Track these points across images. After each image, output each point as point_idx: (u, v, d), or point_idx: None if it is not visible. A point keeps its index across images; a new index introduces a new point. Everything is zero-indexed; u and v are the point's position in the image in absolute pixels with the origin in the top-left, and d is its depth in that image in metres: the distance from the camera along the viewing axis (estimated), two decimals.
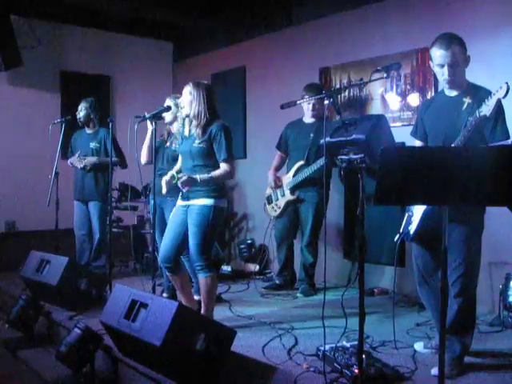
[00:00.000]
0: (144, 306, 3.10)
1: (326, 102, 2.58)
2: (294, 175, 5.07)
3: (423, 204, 2.94)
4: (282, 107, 3.05)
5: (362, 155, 2.50)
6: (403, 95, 5.01)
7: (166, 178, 3.89)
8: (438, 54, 2.99)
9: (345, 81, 5.38)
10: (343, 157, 2.58)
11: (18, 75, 6.49)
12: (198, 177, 3.68)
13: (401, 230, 3.25)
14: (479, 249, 3.12)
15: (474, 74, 3.42)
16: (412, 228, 3.17)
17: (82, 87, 6.75)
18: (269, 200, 5.30)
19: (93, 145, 5.61)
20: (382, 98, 5.17)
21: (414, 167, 2.22)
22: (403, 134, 4.49)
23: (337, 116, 2.72)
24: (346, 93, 5.43)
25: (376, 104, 5.23)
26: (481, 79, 3.26)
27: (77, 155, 5.54)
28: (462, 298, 3.10)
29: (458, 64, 2.98)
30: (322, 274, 5.43)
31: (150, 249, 5.26)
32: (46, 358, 3.98)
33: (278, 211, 5.20)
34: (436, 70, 3.06)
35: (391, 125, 4.95)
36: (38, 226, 6.32)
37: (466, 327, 3.16)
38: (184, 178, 3.64)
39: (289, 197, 5.11)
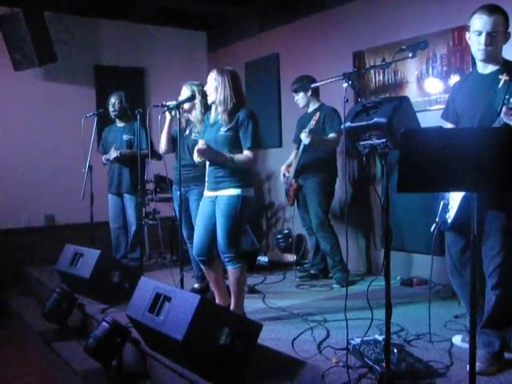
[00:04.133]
0: (168, 299, 3.05)
1: (345, 84, 2.46)
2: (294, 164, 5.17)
3: (449, 191, 2.77)
4: (295, 91, 2.92)
5: (385, 140, 2.37)
6: (440, 77, 4.79)
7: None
8: (477, 21, 2.80)
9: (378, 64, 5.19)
10: (365, 142, 2.45)
11: (52, 71, 6.56)
12: (218, 152, 3.62)
13: (437, 219, 3.08)
14: None
15: None
16: (450, 216, 2.98)
17: (117, 80, 6.76)
18: (286, 191, 5.36)
19: (126, 137, 5.62)
20: (418, 80, 4.96)
21: (439, 151, 2.07)
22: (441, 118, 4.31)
23: (358, 99, 2.59)
24: (381, 76, 5.25)
25: (411, 87, 5.01)
26: None
27: (113, 148, 5.55)
28: (500, 290, 2.90)
29: (496, 34, 2.78)
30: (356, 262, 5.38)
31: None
32: (79, 350, 4.00)
33: (291, 200, 5.28)
34: (472, 38, 2.85)
35: (429, 108, 4.83)
36: (75, 219, 6.41)
37: (506, 321, 2.96)
38: (204, 146, 3.56)
39: (294, 185, 5.18)
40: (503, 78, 2.79)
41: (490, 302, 2.94)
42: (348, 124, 2.53)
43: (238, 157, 3.67)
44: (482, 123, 2.81)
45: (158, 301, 3.09)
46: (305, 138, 4.73)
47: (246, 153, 3.69)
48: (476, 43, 2.83)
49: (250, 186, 3.80)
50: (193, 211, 4.38)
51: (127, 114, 5.64)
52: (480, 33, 2.79)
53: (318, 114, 4.76)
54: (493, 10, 2.79)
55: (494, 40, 2.79)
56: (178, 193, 4.05)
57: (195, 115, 4.39)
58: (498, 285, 2.90)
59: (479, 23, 2.79)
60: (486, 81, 2.88)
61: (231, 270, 3.76)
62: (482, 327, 2.98)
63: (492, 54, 2.83)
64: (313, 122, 4.71)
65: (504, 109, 2.58)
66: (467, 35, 2.92)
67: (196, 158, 3.73)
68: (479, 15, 2.79)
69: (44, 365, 4.31)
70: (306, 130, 4.72)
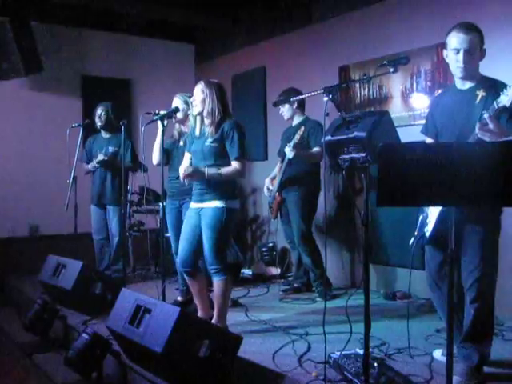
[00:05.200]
0: (148, 311, 3.04)
1: (326, 98, 2.48)
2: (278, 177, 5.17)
3: (427, 206, 2.80)
4: (275, 105, 2.97)
5: (365, 154, 2.38)
6: (424, 92, 4.84)
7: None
8: (455, 39, 2.85)
9: None
10: (345, 156, 2.46)
11: (39, 80, 6.53)
12: (205, 170, 3.65)
13: (416, 233, 3.11)
14: (496, 251, 2.94)
15: (496, 69, 3.27)
16: (428, 230, 3.02)
17: (103, 91, 6.73)
18: (269, 204, 5.38)
19: (112, 149, 5.58)
20: (403, 95, 5.01)
21: (417, 165, 2.09)
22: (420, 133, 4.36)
23: (338, 113, 2.61)
24: (366, 91, 5.29)
25: (396, 102, 5.06)
26: (503, 74, 3.10)
27: (99, 153, 5.52)
28: (478, 304, 2.92)
29: (474, 51, 2.84)
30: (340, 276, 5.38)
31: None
32: (60, 362, 3.95)
33: (274, 213, 5.29)
34: (450, 56, 2.90)
35: (413, 123, 4.87)
36: (59, 229, 6.36)
37: (484, 335, 2.99)
38: (189, 170, 3.63)
39: (277, 198, 5.19)
40: (480, 93, 2.84)
41: (469, 316, 2.95)
42: (328, 137, 2.56)
43: (225, 170, 3.70)
44: (460, 138, 2.85)
45: (139, 313, 3.08)
46: (289, 152, 4.75)
47: (234, 164, 3.72)
48: (454, 61, 2.88)
49: (235, 198, 3.82)
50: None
51: (113, 125, 5.61)
52: (458, 51, 2.84)
53: (302, 128, 4.78)
54: (469, 28, 2.85)
55: (471, 57, 2.84)
56: (161, 204, 4.03)
57: (189, 126, 4.39)
58: (477, 299, 2.92)
59: (456, 41, 2.84)
60: (463, 96, 2.93)
61: (217, 281, 3.77)
62: (461, 341, 3.00)
63: (470, 70, 2.88)
64: (297, 137, 4.73)
65: (478, 124, 2.62)
66: (444, 53, 2.97)
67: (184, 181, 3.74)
68: (456, 33, 2.85)
69: (24, 377, 4.24)
70: (291, 144, 4.73)
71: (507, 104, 2.56)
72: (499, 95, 2.59)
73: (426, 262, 3.16)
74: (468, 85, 2.94)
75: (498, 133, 2.60)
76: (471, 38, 2.82)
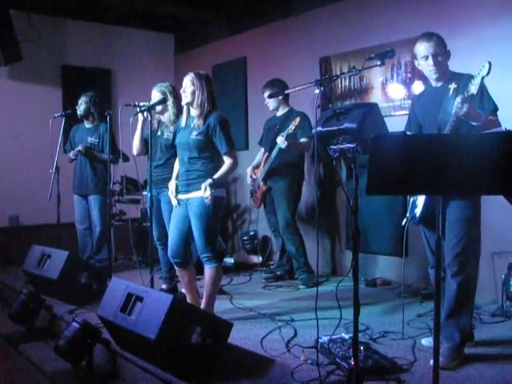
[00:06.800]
0: (139, 299, 3.08)
1: (317, 90, 2.55)
2: (263, 167, 5.22)
3: (415, 194, 2.91)
4: (271, 96, 3.04)
5: (354, 144, 2.47)
6: (404, 83, 4.94)
7: (171, 190, 3.94)
8: (421, 48, 3.20)
9: (345, 70, 5.32)
10: (335, 146, 2.54)
11: (18, 70, 6.48)
12: (210, 180, 3.70)
13: (407, 214, 3.28)
14: (479, 229, 3.13)
15: (476, 62, 3.37)
16: (418, 211, 3.19)
17: (83, 81, 6.73)
18: (251, 193, 5.44)
19: (91, 139, 5.59)
20: (383, 86, 5.11)
21: (405, 156, 2.19)
22: (404, 124, 4.45)
23: (330, 105, 2.68)
24: (347, 82, 5.38)
25: (376, 93, 5.16)
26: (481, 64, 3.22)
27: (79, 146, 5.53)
28: (461, 277, 3.07)
29: (439, 54, 3.16)
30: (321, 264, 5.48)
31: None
32: (47, 351, 3.98)
33: (258, 202, 5.35)
34: (422, 64, 3.22)
35: (393, 114, 4.98)
36: (40, 220, 6.34)
37: (463, 308, 3.13)
38: (207, 187, 3.66)
39: (263, 188, 5.24)
40: (452, 86, 3.15)
41: (451, 290, 3.11)
42: (319, 129, 2.63)
43: (223, 170, 3.78)
44: (441, 128, 3.08)
45: (130, 301, 3.12)
46: (281, 142, 4.77)
47: (225, 158, 3.79)
48: (426, 67, 3.20)
49: (221, 187, 3.88)
50: (164, 213, 4.41)
51: (93, 115, 5.61)
52: (427, 57, 3.17)
53: (298, 119, 4.75)
54: (430, 36, 3.20)
55: (439, 59, 3.16)
56: (149, 194, 4.07)
57: (168, 116, 4.43)
58: (459, 272, 3.08)
59: (423, 49, 3.18)
60: (438, 92, 3.22)
61: (208, 269, 3.84)
62: (444, 320, 3.12)
63: (441, 71, 3.18)
64: (292, 127, 4.73)
65: (456, 101, 2.88)
66: (416, 63, 3.28)
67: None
68: (421, 43, 3.20)
69: (10, 368, 4.25)
70: (284, 134, 4.76)
71: (474, 92, 2.84)
72: (468, 86, 2.85)
73: (426, 241, 3.33)
74: (441, 83, 3.23)
75: (470, 108, 2.86)
76: (434, 43, 3.16)
